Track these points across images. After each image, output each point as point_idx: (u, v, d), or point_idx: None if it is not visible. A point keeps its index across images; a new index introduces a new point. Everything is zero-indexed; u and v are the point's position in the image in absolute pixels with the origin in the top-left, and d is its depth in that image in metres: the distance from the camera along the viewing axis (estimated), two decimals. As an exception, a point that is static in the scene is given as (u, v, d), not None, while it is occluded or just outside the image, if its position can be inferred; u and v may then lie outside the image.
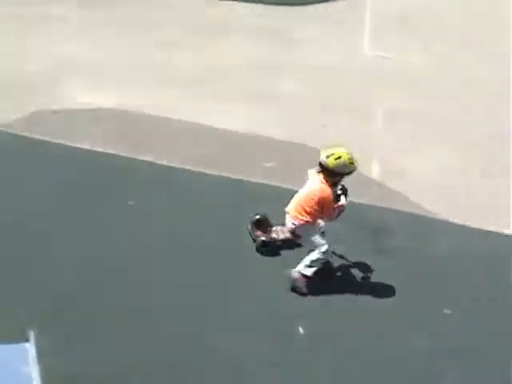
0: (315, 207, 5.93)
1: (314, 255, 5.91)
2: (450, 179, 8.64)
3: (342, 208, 6.03)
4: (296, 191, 6.25)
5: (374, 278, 6.07)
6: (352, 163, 5.96)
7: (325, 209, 5.95)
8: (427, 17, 22.27)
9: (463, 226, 7.30)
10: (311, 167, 6.17)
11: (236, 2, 19.23)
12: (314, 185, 6.01)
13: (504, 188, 8.59)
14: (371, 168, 8.57)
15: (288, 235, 6.26)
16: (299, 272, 5.95)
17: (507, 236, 7.24)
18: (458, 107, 12.02)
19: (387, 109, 11.14)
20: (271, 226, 6.58)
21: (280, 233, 6.49)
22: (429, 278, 6.15)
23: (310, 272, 5.93)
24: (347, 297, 5.88)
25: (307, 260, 5.94)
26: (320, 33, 17.11)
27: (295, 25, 17.72)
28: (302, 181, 6.19)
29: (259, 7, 19.34)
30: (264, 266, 6.28)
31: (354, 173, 6.10)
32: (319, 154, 6.03)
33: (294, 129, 9.46)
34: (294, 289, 5.93)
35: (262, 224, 6.59)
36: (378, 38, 17.19)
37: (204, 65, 12.26)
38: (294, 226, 6.04)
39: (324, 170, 5.95)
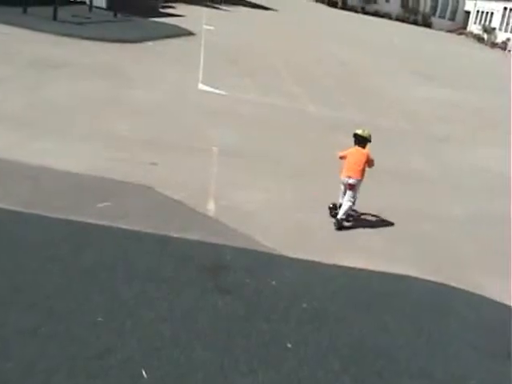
0: (365, 167, 8.88)
1: (348, 205, 8.78)
2: (282, 213, 8.86)
3: (373, 161, 9.01)
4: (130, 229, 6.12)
5: (212, 314, 5.99)
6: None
7: (369, 164, 8.93)
8: (257, 58, 23.23)
9: (298, 260, 7.43)
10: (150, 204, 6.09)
11: (81, 41, 19.14)
12: (363, 153, 8.92)
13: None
14: (206, 204, 8.58)
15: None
16: (341, 218, 8.78)
17: (339, 267, 7.50)
18: (286, 143, 12.49)
19: (221, 146, 11.28)
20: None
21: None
22: (267, 312, 6.17)
23: (345, 215, 8.82)
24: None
25: (345, 208, 8.77)
26: (155, 70, 17.29)
27: (133, 62, 17.78)
28: (138, 218, 6.04)
29: (97, 44, 19.30)
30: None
31: (188, 210, 8.09)
32: (154, 192, 7.64)
33: (127, 168, 9.28)
34: (342, 227, 8.78)
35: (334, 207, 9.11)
36: (212, 76, 17.60)
37: (36, 103, 11.90)
38: (357, 182, 8.81)
39: (362, 140, 9.02)
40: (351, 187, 8.81)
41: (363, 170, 8.89)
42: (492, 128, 19.24)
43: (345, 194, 8.92)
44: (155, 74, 16.66)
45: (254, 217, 8.52)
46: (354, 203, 8.91)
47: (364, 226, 9.06)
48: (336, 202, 9.06)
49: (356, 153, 8.98)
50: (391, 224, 9.36)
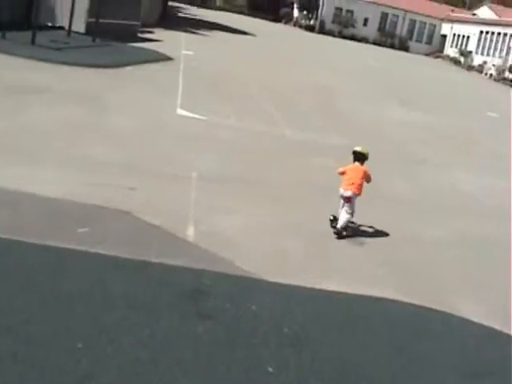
0: (362, 182, 9.64)
1: (346, 217, 9.50)
2: (262, 238, 8.89)
3: (371, 177, 9.79)
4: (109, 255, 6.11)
5: (193, 340, 5.97)
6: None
7: (367, 179, 9.70)
8: (236, 83, 23.34)
9: (278, 284, 7.45)
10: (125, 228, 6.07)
11: (59, 66, 19.11)
12: (361, 170, 9.71)
13: (314, 248, 9.02)
14: (185, 229, 8.57)
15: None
16: (341, 227, 9.50)
17: (319, 290, 7.52)
18: (266, 168, 12.54)
19: (200, 171, 11.29)
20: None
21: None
22: (248, 337, 6.16)
23: (344, 225, 9.53)
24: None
25: (343, 219, 9.48)
26: (134, 95, 17.29)
27: (111, 87, 17.78)
28: (117, 244, 6.03)
29: (76, 70, 19.29)
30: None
31: (167, 235, 8.20)
32: (134, 217, 7.96)
33: (106, 193, 9.25)
34: (341, 235, 9.52)
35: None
36: (191, 101, 17.65)
37: (14, 128, 11.86)
38: (353, 196, 9.53)
39: (361, 157, 9.79)
40: (348, 200, 9.61)
41: (360, 185, 9.66)
42: (467, 151, 19.46)
43: (343, 206, 9.68)
44: (134, 100, 16.69)
45: (234, 242, 8.53)
46: (352, 215, 9.64)
47: (343, 248, 9.11)
48: (336, 214, 9.73)
49: (354, 169, 9.78)
50: (375, 242, 9.48)
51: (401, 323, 7.18)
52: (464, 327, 7.44)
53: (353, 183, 9.59)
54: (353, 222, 9.82)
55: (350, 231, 9.66)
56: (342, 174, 9.84)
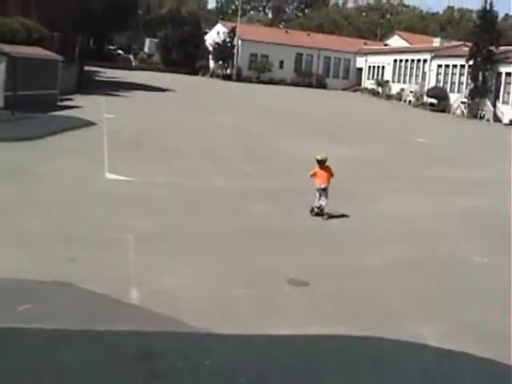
0: (330, 177, 13.53)
1: (325, 201, 13.35)
2: (207, 292, 8.88)
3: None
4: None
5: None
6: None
7: (332, 174, 13.59)
8: (160, 141, 23.40)
9: (229, 336, 7.44)
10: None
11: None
12: (326, 169, 13.54)
13: (267, 298, 9.06)
14: (129, 293, 8.49)
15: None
16: (320, 206, 13.40)
17: (271, 336, 7.53)
18: (202, 221, 12.57)
19: (136, 232, 11.24)
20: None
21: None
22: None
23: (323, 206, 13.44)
24: None
25: (323, 204, 13.36)
26: (60, 164, 17.09)
27: (36, 159, 17.53)
28: (61, 316, 5.91)
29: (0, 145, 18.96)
30: None
31: (112, 301, 8.13)
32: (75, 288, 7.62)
33: (43, 267, 9.10)
34: (321, 213, 13.45)
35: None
36: (118, 163, 17.58)
37: None
38: (327, 186, 13.37)
39: (322, 162, 13.52)
40: (324, 190, 13.39)
41: (329, 179, 13.49)
42: (397, 177, 19.94)
43: (320, 197, 13.35)
44: (61, 169, 16.50)
45: (180, 299, 8.49)
46: (326, 198, 13.38)
47: (287, 291, 9.17)
48: (313, 205, 13.39)
49: (323, 168, 13.56)
50: (318, 279, 9.56)
51: (358, 357, 7.21)
52: (423, 352, 7.51)
53: (325, 178, 13.39)
54: (327, 213, 13.38)
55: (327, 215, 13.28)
56: (314, 174, 13.54)
